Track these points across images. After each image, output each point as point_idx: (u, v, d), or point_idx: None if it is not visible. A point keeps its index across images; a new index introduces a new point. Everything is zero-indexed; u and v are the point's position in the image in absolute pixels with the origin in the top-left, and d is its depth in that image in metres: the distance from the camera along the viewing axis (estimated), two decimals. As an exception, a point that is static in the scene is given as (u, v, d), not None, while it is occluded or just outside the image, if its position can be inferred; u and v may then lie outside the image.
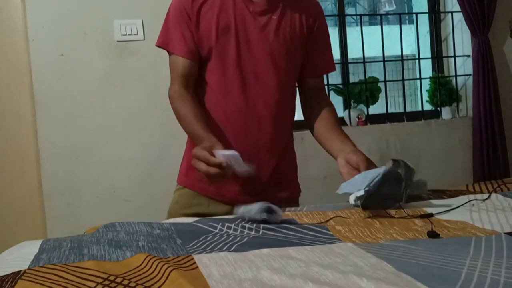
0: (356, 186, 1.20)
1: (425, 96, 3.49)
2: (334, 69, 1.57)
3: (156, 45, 1.46)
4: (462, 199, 1.28)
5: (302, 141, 2.48)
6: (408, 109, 3.46)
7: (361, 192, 1.14)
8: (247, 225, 1.08)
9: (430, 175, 3.20)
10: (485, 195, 1.29)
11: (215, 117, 1.42)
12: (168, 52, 1.45)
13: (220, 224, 1.09)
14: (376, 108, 3.42)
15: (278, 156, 1.46)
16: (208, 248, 0.93)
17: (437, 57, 3.53)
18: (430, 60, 3.58)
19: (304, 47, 1.47)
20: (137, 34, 2.73)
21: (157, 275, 0.78)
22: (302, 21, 1.45)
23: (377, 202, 1.18)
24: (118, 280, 0.77)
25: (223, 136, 1.38)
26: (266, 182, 1.44)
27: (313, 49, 1.49)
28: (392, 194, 1.20)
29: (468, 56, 3.40)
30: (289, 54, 1.43)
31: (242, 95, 1.39)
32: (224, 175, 1.17)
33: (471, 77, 3.35)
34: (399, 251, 0.86)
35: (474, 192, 1.36)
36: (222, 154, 1.16)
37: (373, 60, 3.92)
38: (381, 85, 3.35)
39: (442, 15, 3.53)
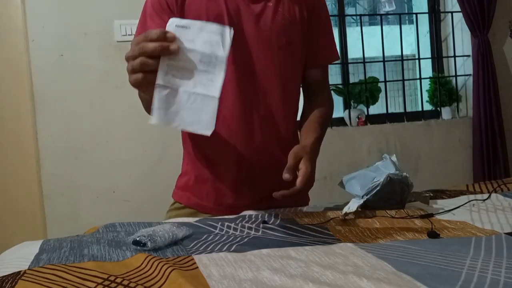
0: (355, 188, 1.22)
1: (425, 96, 3.49)
2: (338, 58, 1.41)
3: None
4: (462, 199, 1.28)
5: (302, 141, 2.48)
6: (408, 109, 3.46)
7: (355, 206, 1.14)
8: (247, 225, 1.08)
9: (430, 175, 3.24)
10: (485, 195, 1.29)
11: None
12: None
13: (220, 224, 1.09)
14: (376, 108, 3.42)
15: (282, 163, 1.30)
16: (208, 248, 0.93)
17: (437, 57, 3.53)
18: (430, 60, 3.58)
19: (305, 36, 1.32)
20: (137, 34, 2.73)
21: (157, 275, 0.78)
22: (301, 6, 1.30)
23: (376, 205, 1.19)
24: (118, 280, 0.77)
25: (218, 141, 1.28)
26: (271, 189, 1.30)
27: (315, 36, 1.34)
28: (390, 200, 1.21)
29: (468, 56, 3.39)
30: (289, 44, 1.28)
31: (238, 96, 1.25)
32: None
33: (471, 77, 3.35)
34: (399, 251, 0.86)
35: (474, 192, 1.36)
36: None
37: (373, 60, 3.92)
38: (381, 85, 3.35)
39: (442, 15, 3.53)
